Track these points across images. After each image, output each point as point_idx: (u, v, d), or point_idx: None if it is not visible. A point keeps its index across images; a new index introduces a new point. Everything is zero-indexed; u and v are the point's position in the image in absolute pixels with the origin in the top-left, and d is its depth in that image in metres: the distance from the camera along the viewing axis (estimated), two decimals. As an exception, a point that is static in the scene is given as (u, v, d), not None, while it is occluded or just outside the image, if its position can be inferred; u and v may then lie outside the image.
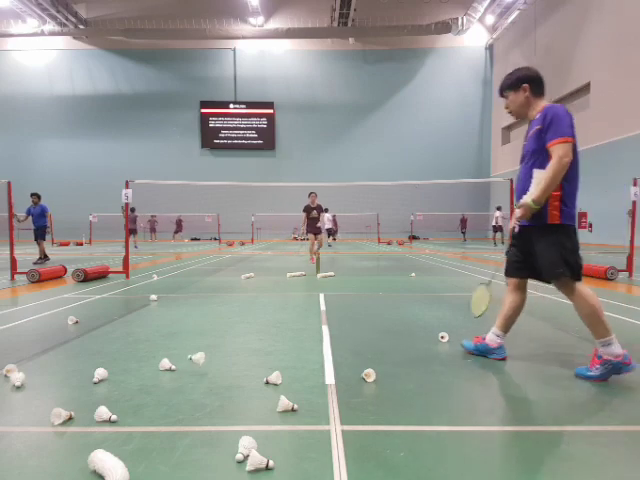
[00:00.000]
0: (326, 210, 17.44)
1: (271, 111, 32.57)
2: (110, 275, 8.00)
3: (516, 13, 27.37)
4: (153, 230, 27.94)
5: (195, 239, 29.51)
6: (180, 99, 32.31)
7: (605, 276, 7.24)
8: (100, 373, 2.59)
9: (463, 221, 27.16)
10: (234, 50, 32.30)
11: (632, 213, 7.49)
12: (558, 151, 2.51)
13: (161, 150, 32.19)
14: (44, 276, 7.42)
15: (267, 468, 1.62)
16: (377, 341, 3.50)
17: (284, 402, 2.15)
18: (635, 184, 7.51)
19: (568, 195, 2.64)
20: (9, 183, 8.09)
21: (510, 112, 2.90)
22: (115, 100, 32.25)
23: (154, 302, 5.30)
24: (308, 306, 5.06)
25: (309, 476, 1.60)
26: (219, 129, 32.78)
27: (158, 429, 1.97)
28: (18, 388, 2.47)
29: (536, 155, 2.67)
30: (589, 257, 13.09)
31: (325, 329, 3.86)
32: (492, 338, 3.01)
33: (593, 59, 20.81)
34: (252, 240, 25.23)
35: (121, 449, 1.76)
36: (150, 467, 1.65)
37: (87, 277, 7.26)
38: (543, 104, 2.77)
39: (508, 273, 2.97)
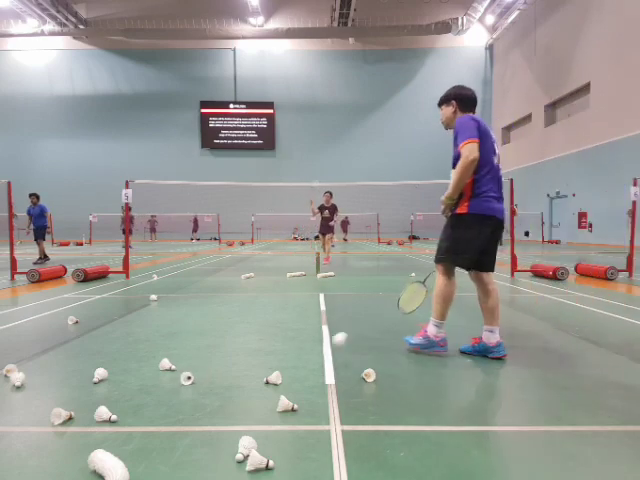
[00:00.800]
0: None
1: (271, 111, 32.58)
2: (110, 275, 8.00)
3: (516, 13, 27.37)
4: (153, 230, 27.95)
5: (195, 239, 29.54)
6: (180, 99, 32.32)
7: (605, 276, 7.24)
8: (100, 373, 2.59)
9: None
10: (234, 50, 32.30)
11: (632, 213, 7.49)
12: (464, 152, 2.86)
13: (161, 150, 32.19)
14: (44, 276, 7.42)
15: (267, 468, 1.62)
16: (377, 341, 3.50)
17: (284, 402, 2.15)
18: (635, 184, 7.51)
19: (479, 187, 2.94)
20: (9, 183, 8.08)
21: (442, 122, 3.24)
22: (115, 100, 32.26)
23: (154, 302, 5.30)
24: (308, 306, 5.06)
25: (309, 476, 1.60)
26: (219, 129, 32.79)
27: (158, 429, 1.97)
28: (18, 388, 2.47)
29: (457, 160, 2.97)
30: (589, 257, 13.09)
31: (325, 329, 3.86)
32: (488, 336, 3.03)
33: (593, 59, 20.81)
34: (252, 240, 25.24)
35: (121, 449, 1.76)
36: (150, 467, 1.65)
37: (87, 277, 7.26)
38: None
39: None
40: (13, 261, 7.83)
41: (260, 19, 31.19)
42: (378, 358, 3.02)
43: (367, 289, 6.65)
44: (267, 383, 2.51)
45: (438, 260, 3.11)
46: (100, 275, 7.76)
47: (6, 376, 2.60)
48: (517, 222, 12.75)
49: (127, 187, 7.69)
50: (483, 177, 2.93)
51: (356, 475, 1.60)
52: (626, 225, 12.88)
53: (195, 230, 29.01)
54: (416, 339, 3.14)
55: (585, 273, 7.89)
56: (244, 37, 30.44)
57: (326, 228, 10.75)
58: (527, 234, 26.21)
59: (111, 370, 2.71)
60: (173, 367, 2.76)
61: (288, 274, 8.05)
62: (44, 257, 11.18)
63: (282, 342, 3.44)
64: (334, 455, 1.73)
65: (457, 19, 29.77)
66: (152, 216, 27.91)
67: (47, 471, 1.64)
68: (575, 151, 21.73)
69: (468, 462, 1.71)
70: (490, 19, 30.22)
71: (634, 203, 7.53)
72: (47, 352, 3.22)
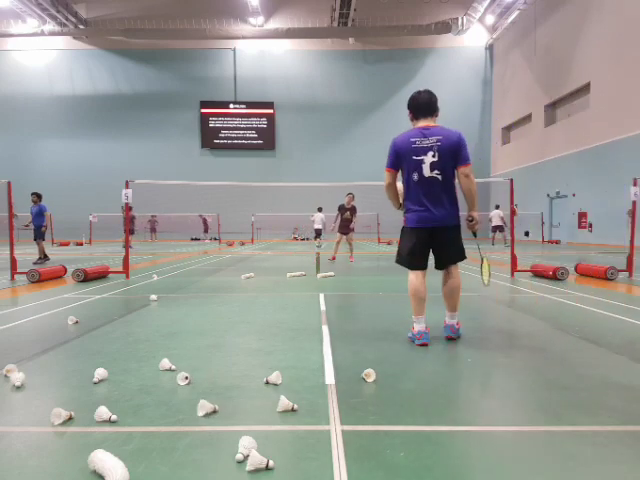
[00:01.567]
0: (320, 210, 17.41)
1: (271, 111, 32.56)
2: (110, 275, 8.00)
3: (516, 13, 27.34)
4: (153, 230, 27.95)
5: (195, 239, 29.54)
6: (180, 99, 32.29)
7: (605, 276, 7.24)
8: (100, 373, 2.59)
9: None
10: (234, 50, 32.28)
11: (632, 213, 7.49)
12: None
13: (161, 150, 32.17)
14: (44, 276, 7.42)
15: (267, 468, 1.62)
16: (377, 341, 3.50)
17: (284, 402, 2.15)
18: (635, 184, 7.51)
19: (407, 205, 3.47)
20: (9, 183, 8.08)
21: None
22: (115, 100, 32.24)
23: (154, 302, 5.30)
24: (308, 306, 5.06)
25: (309, 476, 1.60)
26: (219, 129, 32.76)
27: (158, 429, 1.97)
28: (18, 388, 2.47)
29: None
30: (589, 257, 13.09)
31: (325, 329, 3.86)
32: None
33: (593, 59, 20.80)
34: (252, 240, 25.23)
35: (121, 449, 1.76)
36: (150, 467, 1.65)
37: (87, 277, 7.26)
38: (415, 127, 3.45)
39: None
40: (13, 261, 7.83)
41: (260, 19, 31.17)
42: (378, 358, 3.02)
43: (367, 289, 6.65)
44: (267, 383, 2.51)
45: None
46: (100, 275, 7.76)
47: (6, 376, 2.60)
48: (517, 222, 12.73)
49: (127, 187, 7.69)
50: (408, 196, 3.45)
51: (356, 475, 1.60)
52: (626, 225, 12.86)
53: (206, 230, 29.09)
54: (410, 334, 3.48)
55: (585, 273, 7.88)
56: (244, 37, 30.41)
57: (347, 229, 11.17)
58: (527, 234, 26.20)
59: (111, 370, 2.71)
60: (173, 367, 2.76)
61: (288, 274, 8.05)
62: (44, 257, 11.17)
63: (282, 342, 3.44)
64: (334, 455, 1.73)
65: (457, 19, 29.74)
66: (152, 216, 27.90)
67: (47, 471, 1.64)
68: (575, 151, 21.71)
69: (468, 462, 1.71)
70: (490, 19, 30.20)
71: (634, 203, 7.53)
72: (47, 352, 3.22)
